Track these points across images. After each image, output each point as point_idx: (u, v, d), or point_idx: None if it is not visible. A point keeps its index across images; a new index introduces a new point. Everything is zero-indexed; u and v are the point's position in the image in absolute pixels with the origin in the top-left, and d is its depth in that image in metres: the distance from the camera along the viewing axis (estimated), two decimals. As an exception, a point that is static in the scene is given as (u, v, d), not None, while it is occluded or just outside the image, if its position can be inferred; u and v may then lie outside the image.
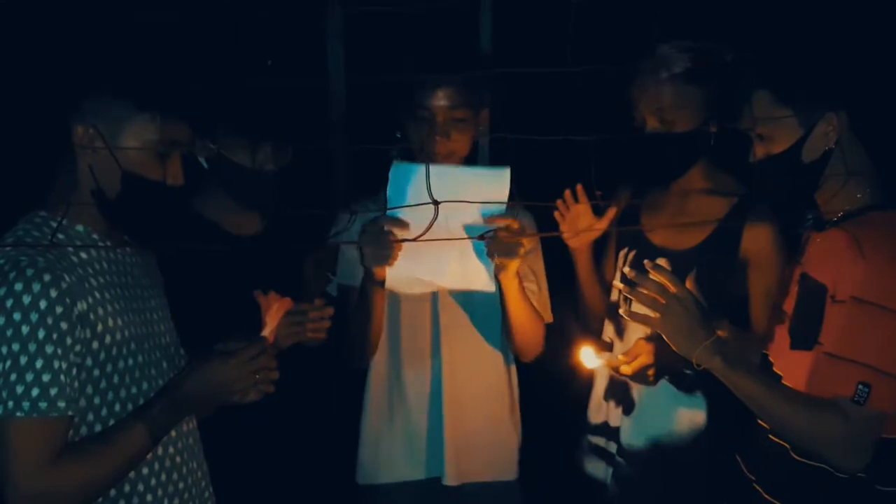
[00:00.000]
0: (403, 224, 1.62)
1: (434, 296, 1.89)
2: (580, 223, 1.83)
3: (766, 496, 1.49)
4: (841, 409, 1.32)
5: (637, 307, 1.47)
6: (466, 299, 1.88)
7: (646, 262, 1.43)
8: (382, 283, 1.72)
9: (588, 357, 1.68)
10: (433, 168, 1.39)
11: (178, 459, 1.42)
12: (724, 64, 1.72)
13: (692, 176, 1.80)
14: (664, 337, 1.43)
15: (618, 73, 1.68)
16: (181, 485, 1.42)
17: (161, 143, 1.33)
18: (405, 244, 1.61)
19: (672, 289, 1.40)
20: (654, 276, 1.41)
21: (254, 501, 1.81)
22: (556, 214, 1.83)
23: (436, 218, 1.18)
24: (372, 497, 1.97)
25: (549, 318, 1.93)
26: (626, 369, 1.69)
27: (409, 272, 1.71)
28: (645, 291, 1.41)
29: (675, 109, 1.71)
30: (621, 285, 1.47)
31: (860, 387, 1.30)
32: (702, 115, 1.72)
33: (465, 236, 1.65)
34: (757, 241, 1.74)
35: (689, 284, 1.46)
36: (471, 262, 1.73)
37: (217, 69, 1.76)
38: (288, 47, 2.42)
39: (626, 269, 1.45)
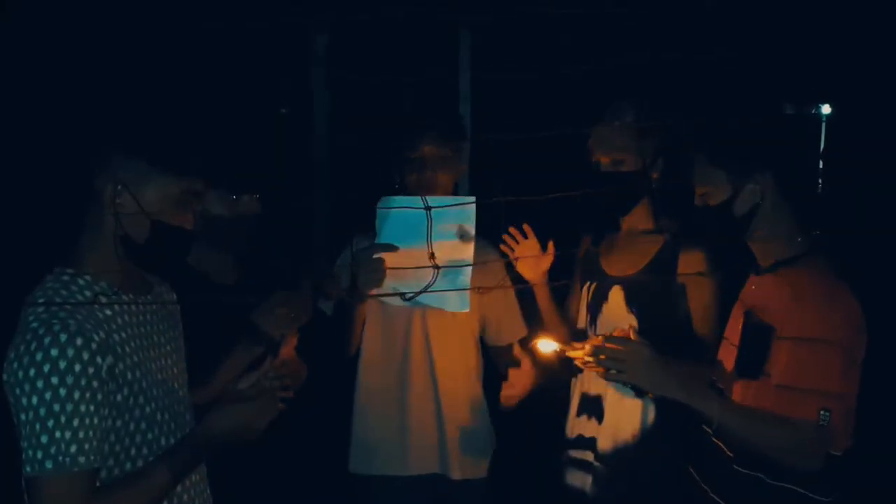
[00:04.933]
0: (393, 248, 1.83)
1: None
2: (527, 254, 2.12)
3: (712, 495, 1.69)
4: (804, 428, 1.51)
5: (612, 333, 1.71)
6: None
7: (597, 337, 1.67)
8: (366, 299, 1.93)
9: (545, 344, 1.80)
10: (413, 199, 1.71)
11: None
12: (663, 123, 2.03)
13: (637, 212, 2.13)
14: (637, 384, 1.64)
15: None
16: (179, 487, 1.49)
17: (183, 194, 1.44)
18: (391, 263, 1.81)
19: (622, 348, 1.61)
20: (607, 345, 1.63)
21: (249, 494, 1.89)
22: (503, 248, 2.14)
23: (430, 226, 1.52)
24: (366, 487, 2.19)
25: (523, 331, 2.27)
26: (575, 353, 1.77)
27: (393, 290, 1.89)
28: (605, 357, 1.63)
29: (624, 151, 2.04)
30: (589, 358, 1.67)
31: (822, 413, 1.50)
32: (644, 160, 2.05)
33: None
34: (690, 264, 2.01)
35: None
36: (448, 284, 1.90)
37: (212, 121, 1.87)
38: (276, 100, 2.57)
39: (595, 339, 1.67)
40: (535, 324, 2.23)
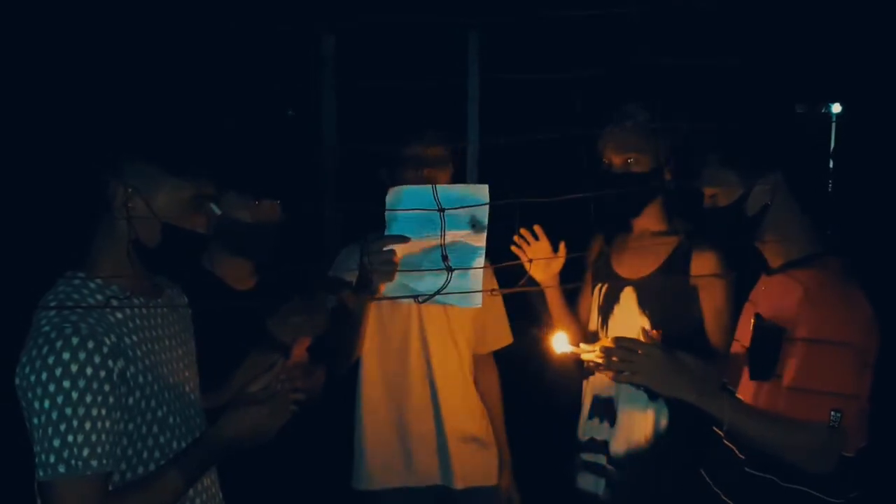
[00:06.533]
0: (404, 240, 1.74)
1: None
2: (539, 255, 2.11)
3: (724, 498, 1.68)
4: (816, 430, 1.50)
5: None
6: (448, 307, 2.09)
7: (607, 338, 1.67)
8: (376, 293, 1.85)
9: (560, 343, 1.77)
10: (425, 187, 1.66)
11: None
12: (675, 124, 2.02)
13: (649, 213, 2.12)
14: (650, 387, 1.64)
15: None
16: (191, 491, 1.50)
17: (194, 198, 1.44)
18: (401, 260, 1.74)
19: (633, 349, 1.61)
20: (619, 344, 1.63)
21: (260, 498, 1.85)
22: (514, 249, 2.12)
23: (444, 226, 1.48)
24: (369, 502, 2.17)
25: (508, 339, 2.30)
26: (587, 355, 1.77)
27: (404, 286, 1.81)
28: (617, 358, 1.62)
29: (636, 151, 2.03)
30: (600, 360, 1.66)
31: (834, 413, 1.49)
32: (656, 161, 2.04)
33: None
34: (703, 266, 2.01)
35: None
36: (461, 280, 1.80)
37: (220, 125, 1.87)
38: (285, 104, 2.58)
39: (605, 341, 1.67)
40: (544, 326, 2.22)
